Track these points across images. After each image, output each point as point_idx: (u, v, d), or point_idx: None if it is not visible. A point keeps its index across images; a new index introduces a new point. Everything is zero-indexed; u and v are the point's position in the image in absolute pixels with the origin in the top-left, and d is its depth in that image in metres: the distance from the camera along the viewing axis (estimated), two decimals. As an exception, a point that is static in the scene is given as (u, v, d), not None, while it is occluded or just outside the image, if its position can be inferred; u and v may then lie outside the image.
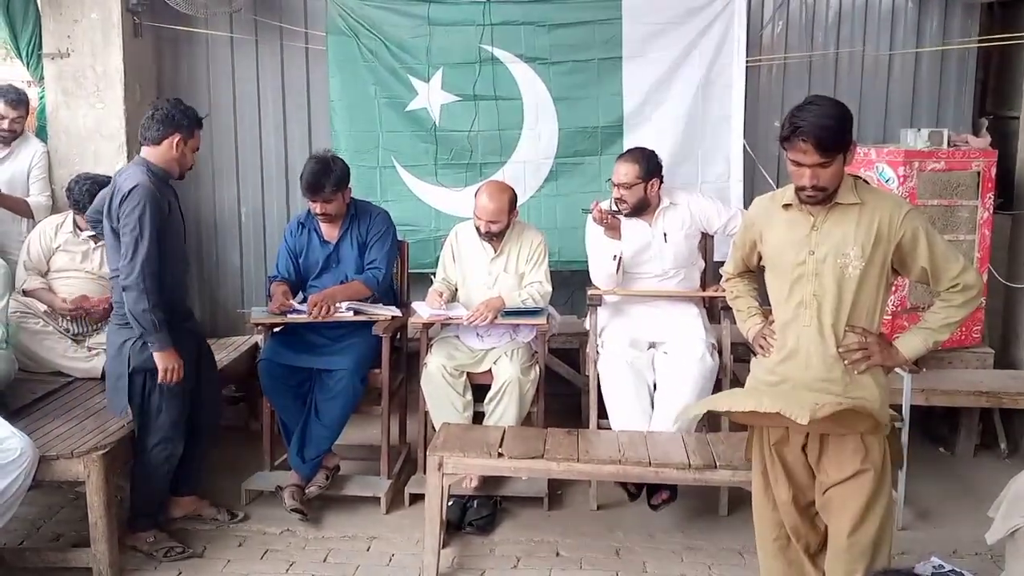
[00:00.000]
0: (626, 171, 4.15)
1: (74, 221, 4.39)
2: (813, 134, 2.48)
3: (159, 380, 3.50)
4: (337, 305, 4.03)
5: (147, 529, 3.67)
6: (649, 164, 4.16)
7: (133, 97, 4.93)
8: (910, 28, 5.13)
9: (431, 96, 5.09)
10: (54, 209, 4.78)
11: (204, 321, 5.22)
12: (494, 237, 4.20)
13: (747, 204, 4.90)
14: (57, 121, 4.91)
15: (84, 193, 4.23)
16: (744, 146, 5.09)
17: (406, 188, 5.18)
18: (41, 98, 5.03)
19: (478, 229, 4.19)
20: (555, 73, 5.07)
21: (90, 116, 4.88)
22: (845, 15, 5.14)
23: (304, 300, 4.13)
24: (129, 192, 3.38)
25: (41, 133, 5.03)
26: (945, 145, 4.52)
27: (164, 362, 3.47)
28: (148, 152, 3.56)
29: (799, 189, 2.58)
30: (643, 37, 5.01)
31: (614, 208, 4.14)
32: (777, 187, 5.09)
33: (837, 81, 5.16)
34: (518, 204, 4.29)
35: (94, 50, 4.85)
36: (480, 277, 4.28)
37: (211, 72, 5.29)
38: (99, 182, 4.21)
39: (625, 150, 4.41)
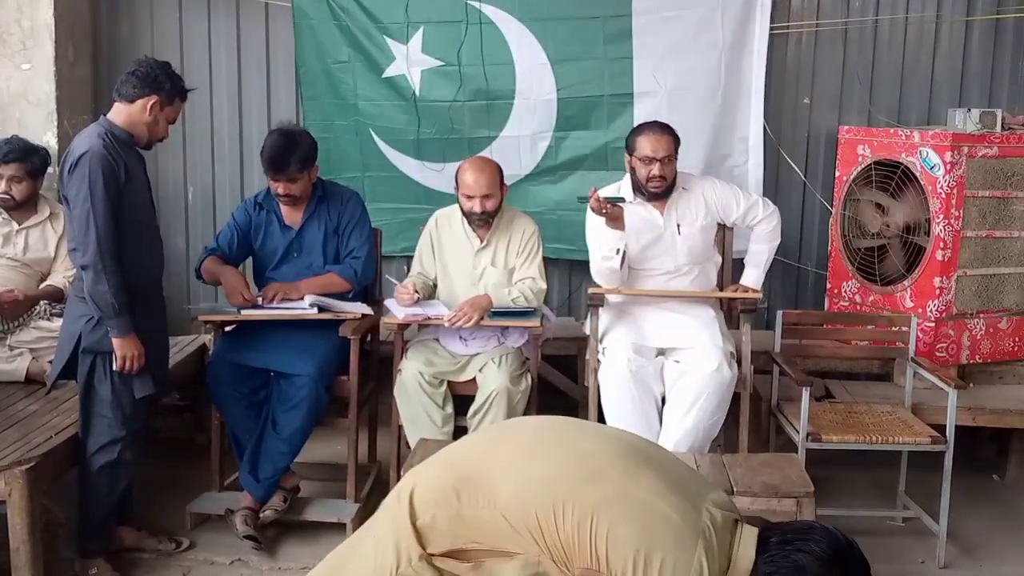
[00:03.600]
0: (666, 143, 4.15)
1: None
2: None
3: (115, 367, 3.51)
4: (298, 299, 4.04)
5: (95, 555, 3.66)
6: (676, 136, 4.19)
7: (65, 57, 4.91)
8: (960, -8, 5.15)
9: (410, 60, 5.09)
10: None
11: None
12: (486, 221, 4.20)
13: (768, 192, 4.97)
14: (-25, 84, 4.90)
15: (12, 146, 4.30)
16: (764, 127, 5.11)
17: (387, 161, 5.22)
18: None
19: (469, 214, 4.19)
20: (553, 33, 5.06)
21: (15, 78, 4.85)
22: (886, -23, 5.17)
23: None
24: (78, 160, 3.43)
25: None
26: (998, 128, 4.53)
27: (123, 349, 3.49)
28: (117, 111, 3.58)
29: None
30: None
31: (619, 195, 4.15)
32: (804, 177, 5.16)
33: (876, 53, 5.19)
34: (509, 186, 4.30)
35: (20, 2, 4.83)
36: (464, 271, 4.28)
37: (155, 29, 5.28)
38: (34, 146, 4.31)
39: (643, 123, 4.39)
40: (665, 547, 1.90)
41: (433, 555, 2.04)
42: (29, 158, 4.36)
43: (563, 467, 2.05)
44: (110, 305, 3.43)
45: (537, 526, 1.97)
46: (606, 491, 1.99)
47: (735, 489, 3.32)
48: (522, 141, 5.13)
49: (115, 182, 3.44)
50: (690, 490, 2.05)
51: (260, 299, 4.08)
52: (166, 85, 3.60)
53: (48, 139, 4.79)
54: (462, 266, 4.29)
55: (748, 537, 2.00)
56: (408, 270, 4.48)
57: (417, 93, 5.12)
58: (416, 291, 4.17)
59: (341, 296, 4.17)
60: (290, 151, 4.04)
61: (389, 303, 4.23)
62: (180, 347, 4.86)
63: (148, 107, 3.56)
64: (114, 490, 3.66)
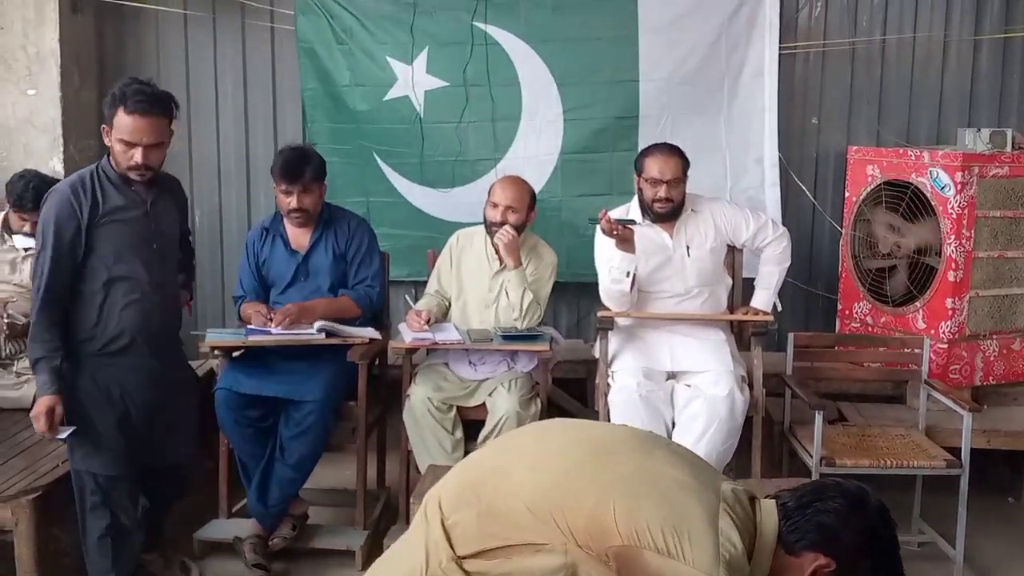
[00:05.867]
0: (673, 165, 4.17)
1: (4, 222, 4.36)
2: None
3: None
4: (307, 324, 4.04)
5: None
6: (685, 158, 4.19)
7: (71, 82, 4.93)
8: (968, 11, 5.15)
9: (415, 81, 5.11)
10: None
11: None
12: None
13: (784, 216, 4.96)
14: (-19, 109, 4.91)
15: (28, 190, 4.21)
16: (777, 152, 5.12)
17: (391, 186, 5.21)
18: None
19: (491, 224, 4.20)
20: (560, 54, 5.08)
21: (21, 104, 4.87)
22: (893, -5, 5.18)
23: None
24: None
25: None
26: (1009, 147, 4.54)
27: (36, 407, 3.23)
28: None
29: None
30: (662, 14, 5.03)
31: (628, 217, 4.15)
32: (814, 198, 5.16)
33: (884, 73, 5.19)
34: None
35: (26, 28, 4.84)
36: (479, 293, 4.28)
37: (161, 54, 5.30)
38: (47, 182, 4.19)
39: (653, 144, 4.39)
40: (692, 518, 1.89)
41: (463, 558, 2.03)
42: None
43: (578, 452, 2.07)
44: (32, 357, 3.28)
45: (560, 512, 1.95)
46: (623, 469, 2.00)
47: (749, 515, 3.30)
48: (528, 162, 5.13)
49: (74, 224, 3.21)
50: (703, 471, 2.07)
51: (274, 321, 4.05)
52: (106, 100, 3.28)
53: (54, 164, 4.80)
54: (478, 288, 4.30)
55: (768, 507, 2.02)
56: (415, 294, 4.48)
57: (422, 114, 5.13)
58: (428, 320, 4.17)
59: (349, 321, 4.17)
60: (304, 161, 4.09)
61: (401, 326, 4.23)
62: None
63: (104, 133, 3.30)
64: (96, 541, 3.42)
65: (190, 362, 4.94)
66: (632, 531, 1.88)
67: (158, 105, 3.27)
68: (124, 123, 3.21)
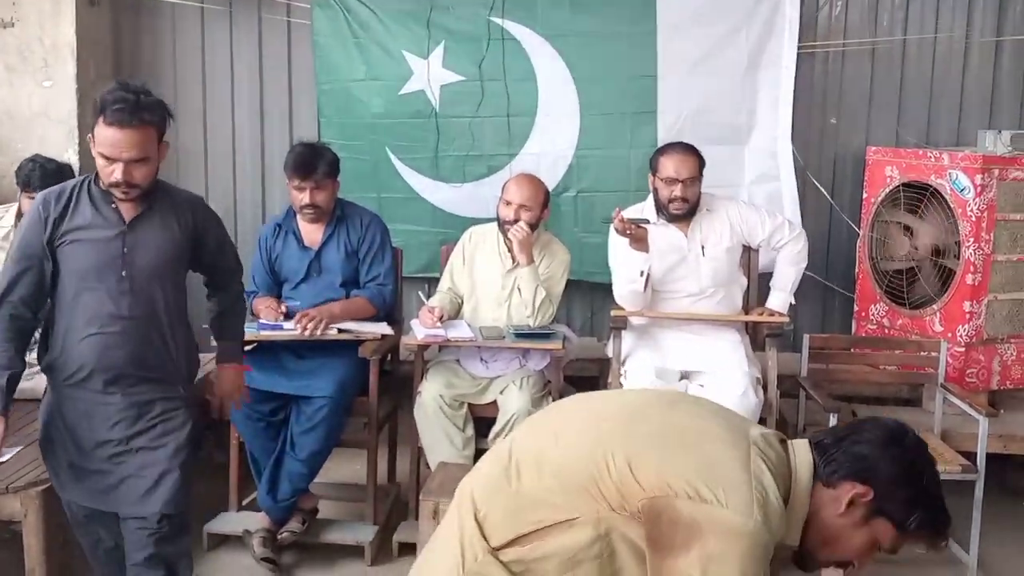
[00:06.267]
0: (690, 164, 4.14)
1: (19, 211, 4.36)
2: None
3: None
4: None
5: None
6: (700, 157, 4.17)
7: (87, 74, 4.93)
8: (990, 12, 5.10)
9: (431, 75, 5.09)
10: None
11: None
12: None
13: (801, 217, 4.93)
14: (-2, 101, 4.92)
15: (35, 170, 4.19)
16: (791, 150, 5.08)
17: (403, 182, 5.19)
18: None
19: (504, 222, 4.19)
20: (577, 50, 5.05)
21: (37, 96, 4.87)
22: (915, -5, 5.13)
23: (287, 315, 4.12)
24: None
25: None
26: (1030, 150, 4.51)
27: None
28: None
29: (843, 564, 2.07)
30: (681, 10, 5.00)
31: (642, 216, 4.12)
32: (832, 198, 5.12)
33: (904, 73, 5.14)
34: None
35: (42, 20, 4.84)
36: (491, 291, 4.27)
37: (177, 47, 5.29)
38: (55, 165, 4.23)
39: (668, 143, 4.38)
40: (722, 464, 1.86)
41: (498, 549, 2.01)
42: (61, 179, 4.37)
43: (603, 420, 2.05)
44: None
45: (592, 481, 1.93)
46: (650, 426, 1.98)
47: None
48: (543, 159, 5.10)
49: (37, 235, 2.95)
50: (731, 419, 2.05)
51: (295, 323, 4.03)
52: (92, 108, 2.96)
53: (69, 156, 4.79)
54: (490, 285, 4.28)
55: (800, 446, 1.99)
56: (428, 290, 4.46)
57: (437, 109, 5.12)
58: (441, 316, 4.15)
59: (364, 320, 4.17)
60: (317, 156, 4.10)
61: (414, 323, 4.22)
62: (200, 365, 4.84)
63: (90, 143, 2.96)
64: (115, 570, 3.22)
65: (201, 354, 4.97)
66: (663, 483, 1.85)
67: (142, 115, 2.84)
68: (103, 135, 2.85)
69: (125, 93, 2.85)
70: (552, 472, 1.99)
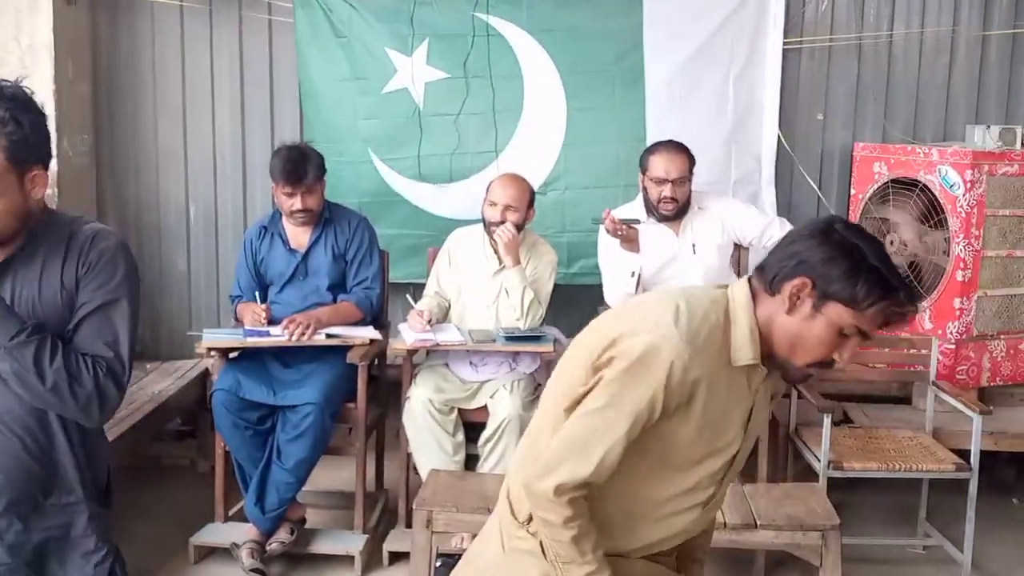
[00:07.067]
0: (680, 163, 4.10)
1: None
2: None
3: None
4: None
5: None
6: (691, 156, 4.12)
7: (64, 75, 4.81)
8: (976, 6, 5.08)
9: (414, 73, 5.01)
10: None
11: (144, 339, 5.12)
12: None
13: (782, 211, 4.89)
14: (-28, 103, 4.80)
15: None
16: (779, 137, 5.04)
17: (385, 185, 5.10)
18: (-46, 74, 4.92)
19: (490, 224, 4.13)
20: (563, 46, 4.99)
21: (13, 97, 4.76)
22: (901, -10, 5.10)
23: (271, 320, 4.05)
24: None
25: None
26: (1018, 145, 4.48)
27: None
28: None
29: (822, 364, 1.97)
30: (667, 4, 4.96)
31: (632, 216, 4.08)
32: (819, 191, 5.08)
33: (891, 68, 5.11)
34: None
35: (19, 18, 4.72)
36: (479, 293, 4.21)
37: (156, 46, 5.18)
38: None
39: (658, 141, 4.33)
40: (641, 310, 1.95)
41: (526, 522, 2.04)
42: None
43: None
44: None
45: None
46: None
47: (758, 522, 3.25)
48: (530, 155, 5.04)
49: None
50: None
51: (282, 328, 3.97)
52: None
53: (47, 159, 4.69)
54: (478, 288, 4.22)
55: (737, 281, 2.01)
56: (413, 294, 4.40)
57: (421, 107, 5.04)
58: (430, 320, 4.09)
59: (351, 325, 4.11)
60: (305, 160, 4.03)
61: (402, 327, 4.16)
62: (182, 372, 4.81)
63: None
64: None
65: (182, 361, 4.92)
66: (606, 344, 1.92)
67: None
68: None
69: None
70: (550, 415, 2.01)
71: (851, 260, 1.84)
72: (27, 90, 2.07)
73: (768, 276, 1.92)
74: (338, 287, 4.20)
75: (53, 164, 4.56)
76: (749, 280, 1.98)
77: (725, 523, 3.23)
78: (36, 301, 2.08)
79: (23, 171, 2.02)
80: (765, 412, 2.06)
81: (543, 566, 2.01)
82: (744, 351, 1.92)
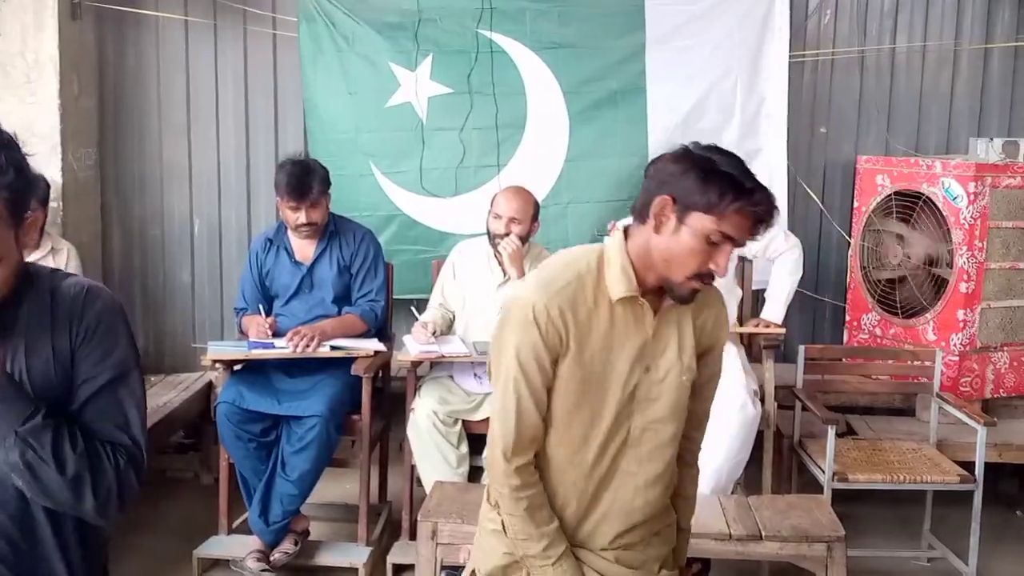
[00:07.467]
0: None
1: None
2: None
3: None
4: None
5: None
6: None
7: (70, 90, 4.84)
8: (978, 20, 5.12)
9: (418, 87, 5.03)
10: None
11: (148, 352, 5.12)
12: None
13: (791, 226, 4.90)
14: (-21, 117, 4.82)
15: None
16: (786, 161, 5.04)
17: (387, 199, 5.11)
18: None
19: (494, 237, 4.13)
20: (566, 61, 5.02)
21: (19, 112, 4.76)
22: (903, 4, 5.13)
23: (276, 333, 4.05)
24: None
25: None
26: (1021, 158, 4.50)
27: None
28: None
29: (701, 275, 2.00)
30: (670, 21, 4.98)
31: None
32: (823, 203, 5.09)
33: (894, 81, 5.14)
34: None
35: (24, 34, 4.75)
36: (483, 305, 4.20)
37: (161, 61, 5.21)
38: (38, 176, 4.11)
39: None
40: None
41: (495, 505, 2.16)
42: (39, 184, 4.33)
43: None
44: None
45: None
46: None
47: (763, 533, 3.23)
48: (533, 170, 5.05)
49: None
50: None
51: (287, 340, 3.96)
52: None
53: (52, 173, 4.68)
54: (482, 300, 4.21)
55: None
56: (416, 309, 4.39)
57: (424, 121, 5.05)
58: (434, 332, 4.09)
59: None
60: (310, 175, 4.03)
61: (407, 339, 4.16)
62: (186, 385, 4.80)
63: None
64: None
65: (186, 374, 4.92)
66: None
67: None
68: None
69: None
70: None
71: (704, 170, 1.93)
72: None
73: (637, 208, 2.03)
74: (343, 299, 4.20)
75: (58, 177, 4.67)
76: (626, 228, 2.08)
77: (730, 535, 3.23)
78: (24, 376, 1.73)
79: (20, 221, 1.71)
80: (688, 341, 2.08)
81: (507, 542, 2.12)
82: (617, 286, 2.01)
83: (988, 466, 4.14)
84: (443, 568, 3.59)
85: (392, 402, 4.39)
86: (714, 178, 1.92)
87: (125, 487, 1.74)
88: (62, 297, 1.79)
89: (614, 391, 2.04)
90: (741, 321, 4.32)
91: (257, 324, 4.06)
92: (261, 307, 4.17)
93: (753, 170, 4.79)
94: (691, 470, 2.31)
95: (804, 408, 4.14)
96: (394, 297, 4.56)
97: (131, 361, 1.81)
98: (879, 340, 4.70)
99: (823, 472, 3.81)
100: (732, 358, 4.11)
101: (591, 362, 2.01)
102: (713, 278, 2.00)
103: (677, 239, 1.95)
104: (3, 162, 1.64)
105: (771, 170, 5.03)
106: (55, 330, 1.76)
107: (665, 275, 1.99)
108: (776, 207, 1.97)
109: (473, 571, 2.25)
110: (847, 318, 4.94)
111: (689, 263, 1.96)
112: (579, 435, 2.06)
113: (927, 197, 4.46)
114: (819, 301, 5.24)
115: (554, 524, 2.07)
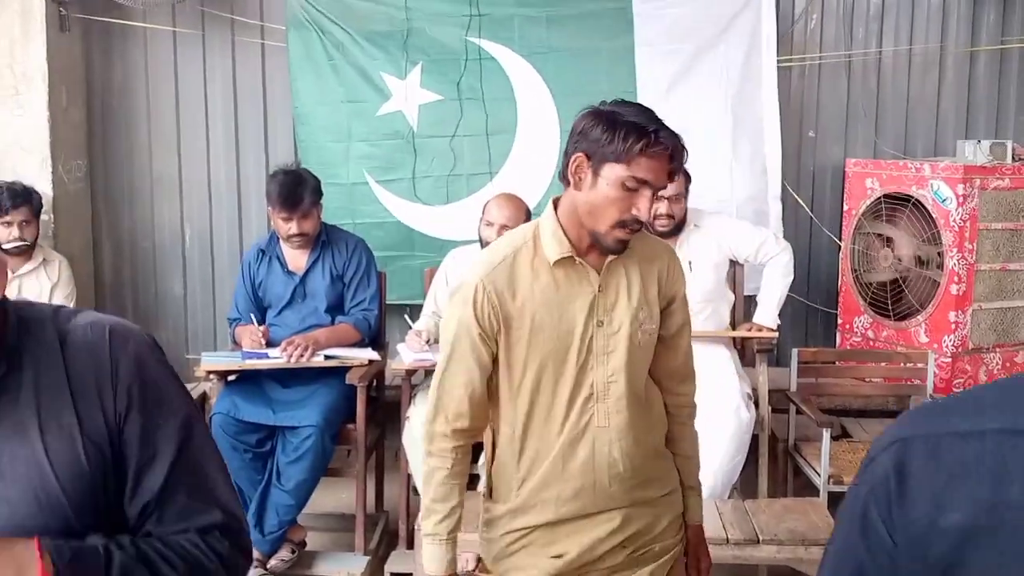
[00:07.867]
0: (676, 181, 4.09)
1: None
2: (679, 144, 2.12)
3: None
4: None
5: None
6: (687, 174, 4.13)
7: (59, 102, 4.83)
8: (964, 23, 5.13)
9: (408, 96, 5.03)
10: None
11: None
12: None
13: (784, 230, 4.90)
14: (-33, 130, 4.80)
15: (2, 191, 4.25)
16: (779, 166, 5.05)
17: (381, 206, 5.11)
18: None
19: (486, 245, 4.12)
20: (555, 67, 5.02)
21: (8, 125, 4.76)
22: (889, 8, 5.13)
23: (270, 343, 4.04)
24: None
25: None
26: (1009, 159, 4.51)
27: None
28: None
29: (625, 223, 2.07)
30: (658, 25, 4.98)
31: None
32: (811, 211, 5.10)
33: (880, 84, 5.15)
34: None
35: (12, 46, 4.73)
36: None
37: (150, 72, 5.20)
38: (27, 192, 4.27)
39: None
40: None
41: None
42: (32, 198, 4.35)
43: None
44: None
45: None
46: None
47: (760, 537, 3.24)
48: (525, 176, 5.05)
49: None
50: None
51: (281, 350, 3.96)
52: None
53: (42, 186, 4.67)
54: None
55: None
56: (409, 316, 4.38)
57: (415, 129, 5.05)
58: (428, 339, 4.08)
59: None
60: (301, 185, 4.02)
61: (401, 347, 4.15)
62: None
63: None
64: None
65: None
66: None
67: None
68: None
69: None
70: None
71: (609, 121, 2.03)
72: None
73: (561, 173, 2.13)
74: (336, 309, 4.19)
75: (48, 190, 4.65)
76: (555, 197, 2.19)
77: (727, 539, 3.23)
78: (47, 467, 1.26)
79: None
80: (637, 293, 2.16)
81: (503, 523, 2.29)
82: (551, 249, 2.11)
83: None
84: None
85: (387, 411, 4.37)
86: (620, 127, 2.01)
87: (234, 571, 1.40)
88: (77, 347, 1.32)
89: (573, 348, 2.11)
90: (734, 325, 4.32)
91: (250, 334, 4.05)
92: (254, 317, 4.16)
93: (746, 175, 4.83)
94: (685, 428, 2.38)
95: (798, 412, 4.15)
96: (387, 303, 4.56)
97: (192, 413, 1.42)
98: (872, 343, 4.72)
99: (819, 475, 3.81)
100: (725, 362, 4.12)
101: (542, 325, 2.09)
102: (640, 225, 2.08)
103: (596, 192, 2.05)
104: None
105: (765, 175, 5.04)
106: (77, 395, 1.30)
107: (592, 228, 2.08)
108: (683, 145, 2.08)
109: (479, 559, 2.32)
110: (839, 321, 4.95)
111: (610, 212, 2.05)
112: (548, 396, 2.14)
113: (916, 200, 4.48)
114: (811, 305, 5.25)
115: (452, 503, 2.22)
